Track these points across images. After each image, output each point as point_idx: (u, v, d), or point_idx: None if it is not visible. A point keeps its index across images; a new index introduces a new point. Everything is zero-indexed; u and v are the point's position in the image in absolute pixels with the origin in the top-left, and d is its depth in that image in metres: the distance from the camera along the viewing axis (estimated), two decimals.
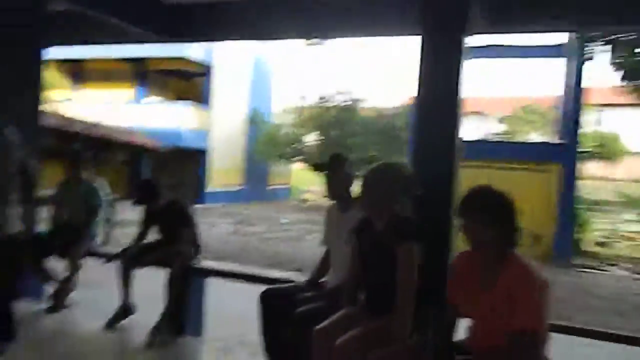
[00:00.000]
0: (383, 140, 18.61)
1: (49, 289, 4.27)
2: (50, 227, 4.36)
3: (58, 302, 4.14)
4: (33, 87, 4.58)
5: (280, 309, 2.81)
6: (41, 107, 4.64)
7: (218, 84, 19.81)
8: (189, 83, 21.32)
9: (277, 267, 6.59)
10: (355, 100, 20.70)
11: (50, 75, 16.41)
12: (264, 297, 2.93)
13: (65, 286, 4.19)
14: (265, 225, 13.79)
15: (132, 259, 3.83)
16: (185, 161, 19.48)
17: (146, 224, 4.02)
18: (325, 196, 3.01)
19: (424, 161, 2.94)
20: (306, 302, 2.76)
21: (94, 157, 15.73)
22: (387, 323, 2.33)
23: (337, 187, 2.90)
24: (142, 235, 4.01)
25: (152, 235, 4.07)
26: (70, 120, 15.36)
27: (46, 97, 16.23)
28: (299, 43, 23.64)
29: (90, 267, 4.54)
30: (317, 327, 2.43)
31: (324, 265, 3.10)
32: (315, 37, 13.53)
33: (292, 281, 3.34)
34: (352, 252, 2.63)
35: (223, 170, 20.27)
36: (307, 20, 4.87)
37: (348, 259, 2.65)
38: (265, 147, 20.34)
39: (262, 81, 22.15)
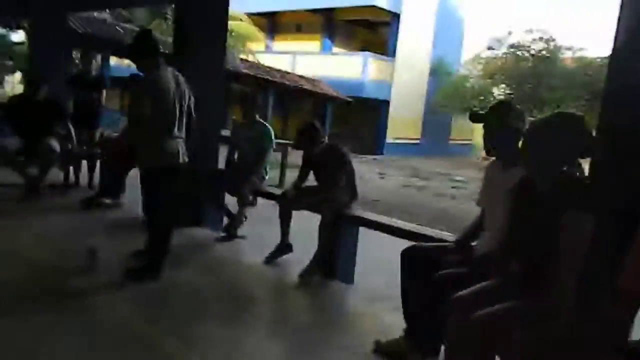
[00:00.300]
0: (588, 96, 16.26)
1: (224, 220, 4.74)
2: (225, 166, 4.77)
3: (230, 233, 4.55)
4: (219, 37, 4.92)
5: (420, 268, 2.61)
6: (225, 56, 4.95)
7: (403, 33, 19.32)
8: (375, 33, 21.23)
9: (441, 224, 6.31)
10: (557, 48, 18.31)
11: (247, 28, 17.91)
12: (406, 254, 2.75)
13: (237, 219, 4.58)
14: (438, 180, 13.35)
15: (290, 201, 3.98)
16: (365, 112, 19.74)
17: (305, 168, 4.10)
18: (485, 151, 2.64)
19: (618, 115, 2.35)
20: (450, 265, 2.51)
21: (282, 104, 16.78)
22: (543, 301, 1.97)
23: (498, 140, 2.51)
24: (301, 178, 4.12)
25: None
26: (263, 69, 16.61)
27: (244, 48, 17.83)
28: None
29: (261, 205, 4.90)
30: (457, 294, 2.18)
31: (477, 227, 2.77)
32: None
33: (442, 240, 3.09)
34: (508, 215, 2.27)
35: (402, 122, 20.05)
36: None
37: (503, 222, 2.31)
38: (449, 99, 19.40)
39: (447, 29, 20.89)
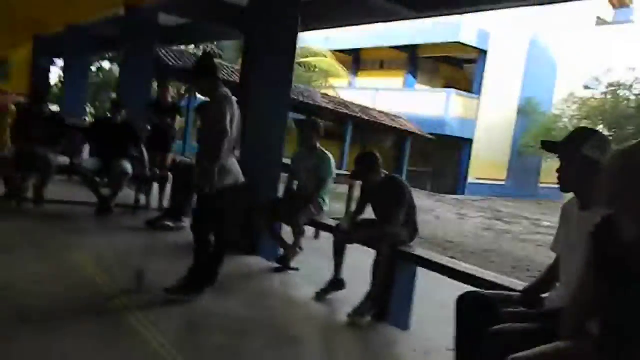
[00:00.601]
0: None
1: (280, 250, 4.57)
2: (284, 194, 4.64)
3: (284, 263, 4.36)
4: (286, 67, 4.88)
5: (477, 319, 2.23)
6: (291, 86, 4.89)
7: (490, 71, 18.67)
8: (459, 70, 20.75)
9: (520, 273, 5.72)
10: None
11: (330, 63, 18.20)
12: (462, 301, 2.39)
13: (292, 250, 4.39)
14: (523, 225, 12.41)
15: (344, 233, 3.73)
16: (447, 150, 19.11)
17: (363, 200, 3.84)
18: (560, 188, 2.25)
19: None
20: (513, 319, 2.12)
21: (364, 137, 16.67)
22: None
23: (573, 175, 2.12)
24: (358, 210, 3.86)
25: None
26: (345, 104, 16.69)
27: (326, 83, 18.10)
28: (586, 22, 20.34)
29: (323, 237, 4.68)
30: (515, 355, 1.80)
31: (550, 275, 2.36)
32: None
33: (510, 289, 2.68)
34: (586, 265, 1.87)
35: (486, 161, 19.15)
36: None
37: (580, 273, 1.90)
38: (538, 140, 18.24)
39: (539, 67, 19.87)
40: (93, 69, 20.89)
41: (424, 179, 19.05)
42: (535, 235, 10.85)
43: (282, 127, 4.82)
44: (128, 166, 5.57)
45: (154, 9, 7.13)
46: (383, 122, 17.25)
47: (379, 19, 6.25)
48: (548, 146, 2.24)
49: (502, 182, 19.94)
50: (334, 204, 4.83)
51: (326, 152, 4.45)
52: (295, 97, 14.19)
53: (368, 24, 6.79)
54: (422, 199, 15.18)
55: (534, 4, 5.09)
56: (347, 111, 16.16)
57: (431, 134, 17.79)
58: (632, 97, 17.04)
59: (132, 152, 5.70)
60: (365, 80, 22.21)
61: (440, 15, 5.78)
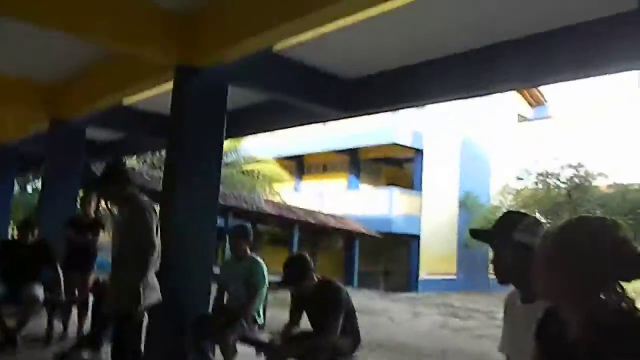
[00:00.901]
0: (634, 224, 15.27)
1: None
2: (212, 308, 4.19)
3: None
4: (214, 178, 4.66)
5: None
6: (217, 191, 4.66)
7: (427, 168, 19.39)
8: (399, 169, 21.46)
9: None
10: (590, 176, 17.78)
11: (273, 170, 18.37)
12: None
13: None
14: (479, 319, 12.10)
15: (276, 352, 3.30)
16: (396, 247, 19.07)
17: (296, 309, 3.48)
18: (497, 279, 2.02)
19: None
20: None
21: (312, 241, 16.31)
22: None
23: (508, 263, 1.91)
24: (291, 322, 3.48)
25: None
26: (290, 208, 16.57)
27: (270, 189, 18.11)
28: (509, 120, 22.07)
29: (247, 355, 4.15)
30: None
31: None
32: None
33: None
34: None
35: (435, 256, 19.16)
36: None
37: None
38: None
39: (473, 162, 20.90)
40: (29, 189, 20.06)
41: (375, 278, 18.70)
42: (491, 329, 10.51)
43: (209, 235, 4.48)
44: (39, 291, 4.97)
45: (79, 123, 6.92)
46: (329, 225, 17.15)
47: (303, 121, 6.32)
48: (478, 235, 2.04)
49: (454, 277, 19.86)
50: (280, 313, 4.36)
51: (257, 258, 4.12)
52: (237, 205, 13.97)
53: (292, 127, 6.86)
54: (375, 300, 14.68)
55: (455, 98, 5.26)
56: (292, 216, 16.00)
57: (379, 232, 17.78)
58: (562, 185, 17.95)
59: (45, 274, 5.13)
60: (310, 183, 22.47)
61: (366, 115, 5.88)
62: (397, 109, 5.59)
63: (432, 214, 19.27)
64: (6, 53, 5.78)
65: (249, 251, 4.15)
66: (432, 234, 19.12)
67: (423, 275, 18.82)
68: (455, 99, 5.30)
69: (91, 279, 5.63)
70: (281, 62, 4.94)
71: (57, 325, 5.40)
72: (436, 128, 19.38)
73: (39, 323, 5.15)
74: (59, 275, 5.16)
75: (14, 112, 7.54)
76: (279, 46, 4.26)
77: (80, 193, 6.59)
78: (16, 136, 8.87)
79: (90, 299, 5.34)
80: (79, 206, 5.99)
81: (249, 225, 4.49)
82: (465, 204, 20.13)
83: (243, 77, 4.93)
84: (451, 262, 20.03)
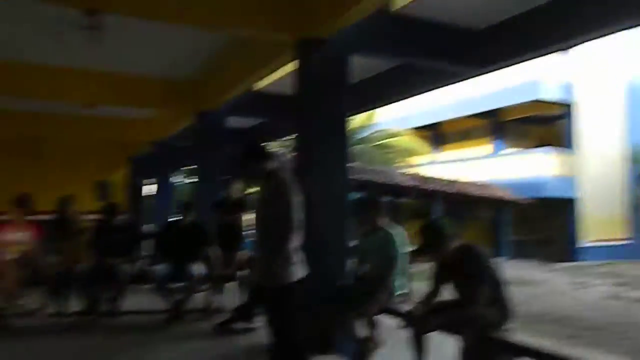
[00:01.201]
0: None
1: (355, 346, 4.00)
2: (352, 281, 4.15)
3: None
4: (340, 149, 4.62)
5: None
6: (347, 165, 4.60)
7: (583, 123, 17.32)
8: (548, 127, 19.47)
9: None
10: None
11: (408, 142, 17.95)
12: None
13: (367, 345, 3.82)
14: None
15: (420, 321, 3.14)
16: (551, 213, 17.46)
17: (437, 279, 3.27)
18: None
19: None
20: None
21: (456, 212, 15.61)
22: None
23: None
24: (432, 292, 3.28)
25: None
26: (429, 180, 16.07)
27: (405, 162, 17.76)
28: None
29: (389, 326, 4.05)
30: None
31: None
32: None
33: None
34: None
35: (600, 221, 17.13)
36: None
37: None
38: None
39: None
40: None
41: (531, 247, 17.37)
42: None
43: (342, 208, 4.45)
44: (199, 268, 5.44)
45: (219, 113, 7.40)
46: (474, 194, 16.29)
47: (434, 85, 5.97)
48: None
49: (624, 242, 17.60)
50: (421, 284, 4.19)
51: (391, 229, 3.95)
52: (374, 179, 13.90)
53: (423, 92, 6.48)
54: (532, 270, 13.67)
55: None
56: (432, 187, 15.50)
57: (530, 198, 16.43)
58: None
59: (203, 253, 5.60)
60: (450, 153, 21.49)
61: (503, 68, 5.32)
62: (536, 56, 4.94)
63: (592, 174, 17.23)
64: (147, 60, 6.40)
65: (381, 222, 4.02)
66: (593, 196, 17.12)
67: (584, 242, 16.99)
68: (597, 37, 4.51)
69: (239, 256, 5.97)
70: (401, 22, 4.68)
71: (215, 300, 5.86)
72: (591, 75, 17.16)
73: (200, 297, 5.64)
74: (215, 253, 5.58)
75: (167, 112, 8.34)
76: (398, 3, 4.01)
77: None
78: (168, 133, 9.86)
79: (244, 274, 5.67)
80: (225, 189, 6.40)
81: (374, 196, 4.35)
82: (636, 159, 17.63)
83: (365, 45, 4.78)
84: (618, 226, 17.77)
